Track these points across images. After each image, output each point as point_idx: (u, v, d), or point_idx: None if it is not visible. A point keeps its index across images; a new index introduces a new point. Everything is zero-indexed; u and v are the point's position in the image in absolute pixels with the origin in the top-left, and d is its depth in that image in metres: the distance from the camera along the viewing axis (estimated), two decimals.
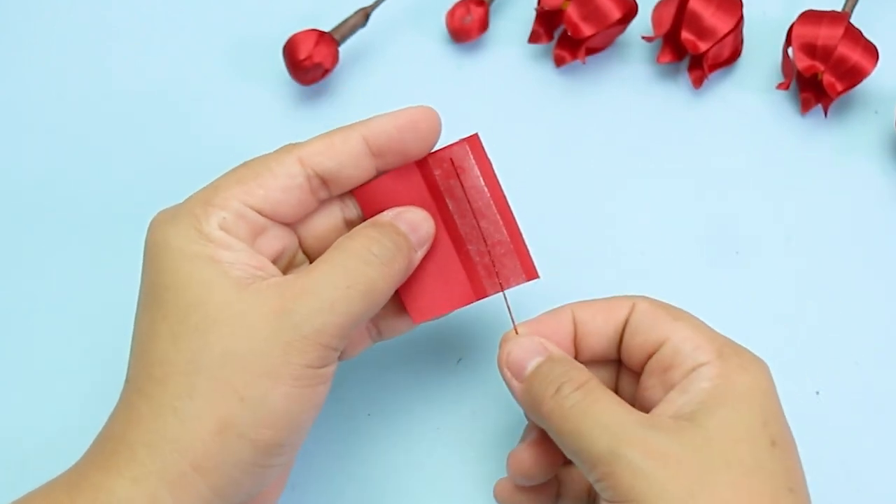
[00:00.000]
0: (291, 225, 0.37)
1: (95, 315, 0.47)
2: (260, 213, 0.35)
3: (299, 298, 0.32)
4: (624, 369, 0.38)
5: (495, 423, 0.44)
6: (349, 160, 0.36)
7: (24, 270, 0.48)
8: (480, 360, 0.46)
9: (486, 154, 0.37)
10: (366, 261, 0.33)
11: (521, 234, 0.37)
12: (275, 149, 0.37)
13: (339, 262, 0.34)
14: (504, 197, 0.37)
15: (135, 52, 0.52)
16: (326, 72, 0.48)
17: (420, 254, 0.36)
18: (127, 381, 0.34)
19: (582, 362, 0.36)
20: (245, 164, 0.36)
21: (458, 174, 0.37)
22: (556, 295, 0.40)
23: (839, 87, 0.47)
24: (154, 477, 0.31)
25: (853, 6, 0.48)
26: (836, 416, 0.45)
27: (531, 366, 0.35)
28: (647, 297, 0.37)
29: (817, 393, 0.45)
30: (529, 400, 0.35)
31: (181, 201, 0.36)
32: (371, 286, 0.33)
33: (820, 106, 0.49)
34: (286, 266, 0.37)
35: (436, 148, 0.37)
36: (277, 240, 0.36)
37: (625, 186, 0.49)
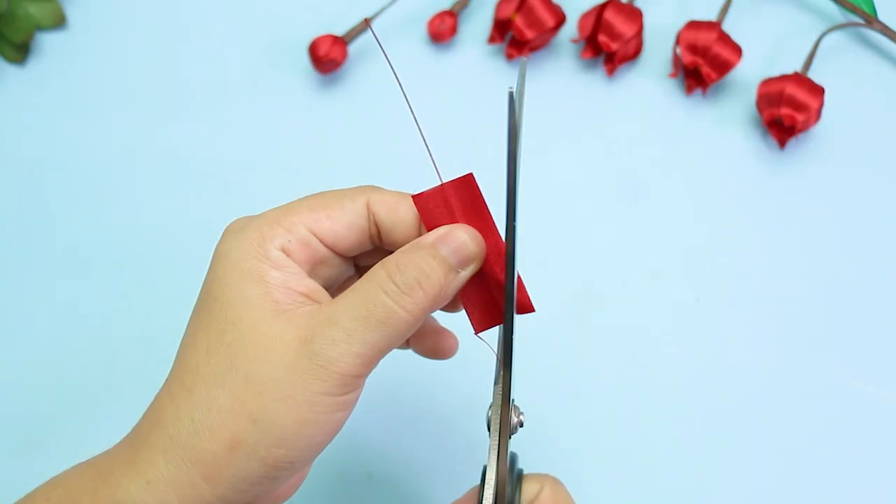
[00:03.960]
0: (348, 258, 0.35)
1: (107, 315, 0.50)
2: (323, 242, 0.33)
3: (321, 328, 0.30)
4: None
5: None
6: (404, 226, 0.33)
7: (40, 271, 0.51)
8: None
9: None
10: (385, 290, 0.30)
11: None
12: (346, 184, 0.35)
13: (361, 291, 0.31)
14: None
15: (197, 50, 0.56)
16: (339, 65, 0.53)
17: (465, 273, 0.32)
18: (166, 380, 0.32)
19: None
20: (320, 194, 0.33)
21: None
22: None
23: (714, 76, 0.52)
24: (165, 482, 0.30)
25: (723, 16, 0.54)
26: (714, 320, 0.49)
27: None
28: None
29: (697, 299, 0.49)
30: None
31: (256, 213, 0.33)
32: (388, 315, 0.30)
33: (700, 89, 0.54)
34: (339, 291, 0.34)
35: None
36: (333, 269, 0.34)
37: (556, 147, 0.52)
